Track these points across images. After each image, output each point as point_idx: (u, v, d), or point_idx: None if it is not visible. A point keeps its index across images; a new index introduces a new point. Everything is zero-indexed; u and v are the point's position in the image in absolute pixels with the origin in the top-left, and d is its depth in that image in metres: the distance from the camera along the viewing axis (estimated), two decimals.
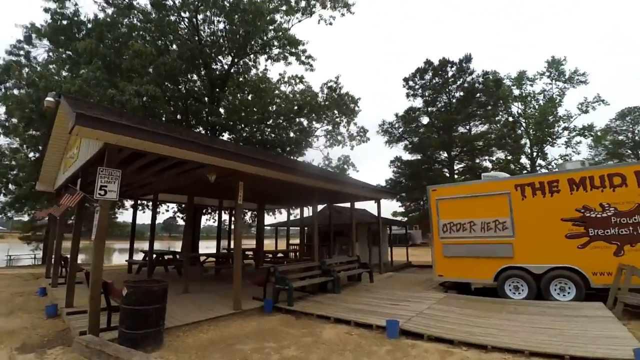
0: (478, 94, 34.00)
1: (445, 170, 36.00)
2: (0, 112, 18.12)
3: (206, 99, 19.46)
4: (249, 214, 22.11)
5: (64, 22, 17.10)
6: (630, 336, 4.62)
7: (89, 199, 5.79)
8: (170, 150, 5.66)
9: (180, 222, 26.74)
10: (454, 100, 36.13)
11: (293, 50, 20.25)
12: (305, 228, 17.46)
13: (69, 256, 7.58)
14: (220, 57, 20.19)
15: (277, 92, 21.10)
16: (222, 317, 6.19)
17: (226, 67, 20.37)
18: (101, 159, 5.35)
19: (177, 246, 28.12)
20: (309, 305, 7.05)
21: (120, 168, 5.31)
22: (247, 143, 19.20)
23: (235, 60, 20.24)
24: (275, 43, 19.94)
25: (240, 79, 21.30)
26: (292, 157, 19.75)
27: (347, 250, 15.33)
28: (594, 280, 6.89)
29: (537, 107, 33.18)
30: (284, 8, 19.15)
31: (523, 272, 7.58)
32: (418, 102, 38.14)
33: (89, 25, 17.36)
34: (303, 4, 19.39)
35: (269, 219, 21.43)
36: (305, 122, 21.61)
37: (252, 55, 20.99)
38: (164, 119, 16.45)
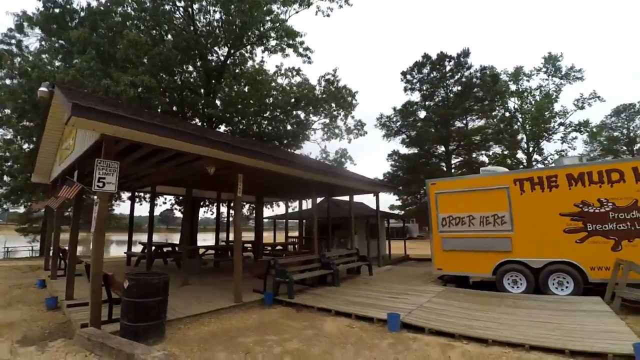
0: (475, 89, 33.97)
1: (443, 164, 36.11)
2: None
3: (202, 90, 19.23)
4: (247, 206, 22.07)
5: (56, 10, 16.73)
6: (629, 331, 4.68)
7: (87, 191, 5.72)
8: (168, 141, 5.58)
9: (178, 214, 26.67)
10: (451, 95, 36.07)
11: (290, 41, 20.01)
12: (304, 221, 17.47)
13: (67, 248, 7.52)
14: (216, 48, 19.89)
15: (273, 84, 20.89)
16: (222, 309, 6.19)
17: (222, 58, 20.10)
18: (98, 151, 5.26)
19: (175, 238, 28.07)
20: (309, 298, 7.07)
21: (118, 160, 5.23)
22: (244, 135, 19.06)
23: (232, 51, 19.97)
24: (273, 34, 19.67)
25: (237, 71, 21.04)
26: (289, 150, 19.65)
27: (345, 243, 15.39)
28: (591, 274, 6.97)
29: (533, 102, 33.31)
30: None
31: (521, 266, 7.65)
32: (416, 96, 38.06)
33: (82, 14, 17.00)
34: None
35: (266, 212, 21.42)
36: (302, 115, 21.45)
37: (248, 47, 20.71)
38: (159, 110, 16.24)
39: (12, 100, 14.41)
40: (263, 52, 20.86)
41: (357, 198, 14.78)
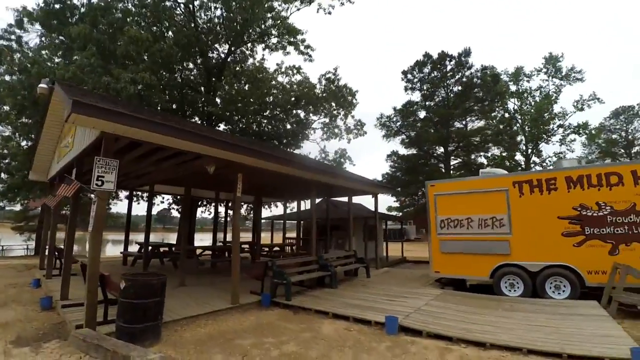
0: (476, 89, 34.02)
1: (441, 165, 36.17)
2: None
3: (202, 88, 19.16)
4: (245, 206, 22.02)
5: (57, 5, 16.61)
6: (625, 335, 4.69)
7: (85, 190, 5.67)
8: (169, 140, 5.53)
9: (175, 213, 26.59)
10: (451, 95, 36.12)
11: (292, 39, 19.96)
12: (302, 222, 17.44)
13: (63, 247, 7.47)
14: (216, 45, 19.84)
15: (274, 82, 20.83)
16: (220, 311, 6.16)
17: (223, 55, 20.04)
18: (97, 148, 5.22)
19: (171, 238, 27.94)
20: (306, 300, 7.06)
21: (117, 158, 5.19)
22: (244, 134, 19.01)
23: (232, 48, 19.90)
24: (274, 32, 19.62)
25: (237, 69, 20.98)
26: (288, 150, 19.62)
27: (343, 245, 15.38)
28: (588, 278, 6.98)
29: (533, 103, 33.36)
30: None
31: (519, 269, 7.65)
32: (416, 96, 38.14)
33: (82, 10, 16.87)
34: None
35: (264, 212, 21.38)
36: (302, 114, 21.42)
37: (249, 44, 20.65)
38: (159, 108, 16.17)
39: (11, 97, 14.30)
40: (264, 49, 20.83)
41: (356, 199, 14.76)
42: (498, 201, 8.18)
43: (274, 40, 20.24)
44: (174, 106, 17.88)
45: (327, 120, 21.90)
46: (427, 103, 37.58)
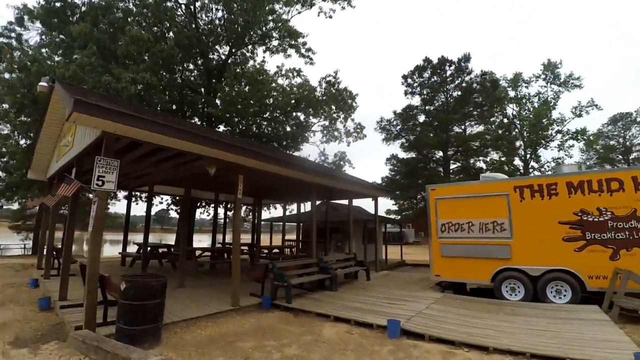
0: (475, 94, 34.20)
1: (441, 169, 36.25)
2: None
3: (202, 89, 19.15)
4: (244, 208, 21.97)
5: (57, 4, 16.61)
6: (628, 340, 4.68)
7: (86, 189, 5.63)
8: (170, 140, 5.50)
9: (173, 214, 26.46)
10: (451, 100, 36.29)
11: (293, 42, 20.03)
12: (301, 224, 17.39)
13: (61, 247, 7.40)
14: (217, 47, 19.87)
15: (274, 84, 20.87)
16: (220, 313, 6.10)
17: (223, 57, 20.07)
18: (98, 148, 5.18)
19: (169, 239, 27.85)
20: (307, 302, 7.01)
21: (118, 158, 5.15)
22: (243, 136, 19.00)
23: (233, 50, 19.94)
24: (275, 34, 19.67)
25: (238, 70, 21.00)
26: (288, 152, 19.61)
27: (342, 247, 15.34)
28: (589, 283, 6.98)
29: (531, 109, 33.56)
30: None
31: (520, 273, 7.64)
32: (416, 100, 38.28)
33: (83, 9, 16.90)
34: None
35: (264, 214, 21.34)
36: (302, 117, 21.46)
37: (250, 46, 20.69)
38: (159, 108, 16.15)
39: (10, 95, 14.25)
40: (264, 52, 20.90)
41: (355, 202, 14.75)
42: (499, 206, 8.18)
43: (275, 42, 20.32)
44: (174, 107, 17.87)
45: (327, 123, 21.95)
46: (426, 107, 37.71)
